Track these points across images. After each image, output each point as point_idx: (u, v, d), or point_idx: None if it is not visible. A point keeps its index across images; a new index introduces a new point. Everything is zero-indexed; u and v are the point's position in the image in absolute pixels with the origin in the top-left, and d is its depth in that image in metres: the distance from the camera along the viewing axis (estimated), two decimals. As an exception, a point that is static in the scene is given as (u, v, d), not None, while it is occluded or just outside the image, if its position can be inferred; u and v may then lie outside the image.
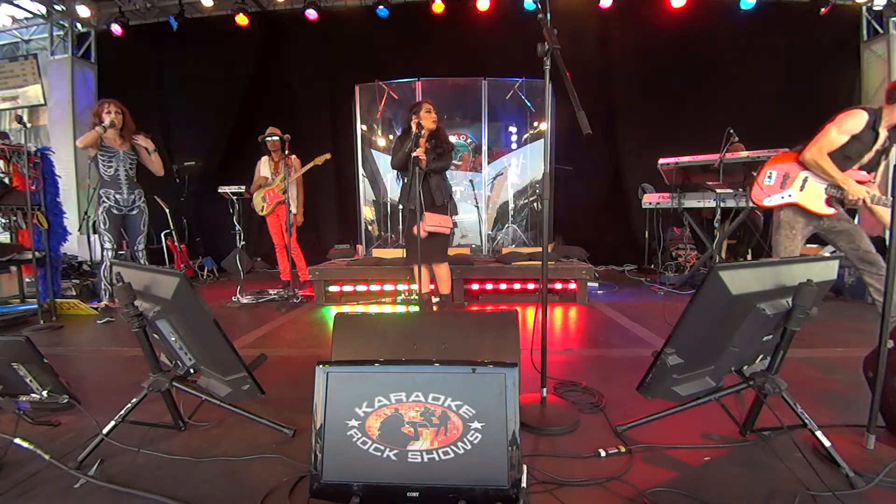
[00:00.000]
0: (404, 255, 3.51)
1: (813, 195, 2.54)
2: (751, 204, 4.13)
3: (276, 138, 4.33)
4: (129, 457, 1.42)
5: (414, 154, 2.89)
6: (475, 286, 4.05)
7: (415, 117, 3.03)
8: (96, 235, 5.72)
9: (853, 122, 2.42)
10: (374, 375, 1.15)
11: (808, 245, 4.78)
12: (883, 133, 2.41)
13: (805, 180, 2.56)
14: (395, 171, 3.34)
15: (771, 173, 2.68)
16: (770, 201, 2.64)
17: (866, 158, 2.45)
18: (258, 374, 1.49)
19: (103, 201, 3.68)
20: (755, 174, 2.74)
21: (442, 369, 1.14)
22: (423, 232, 2.98)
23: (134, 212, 3.80)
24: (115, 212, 3.71)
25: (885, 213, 2.36)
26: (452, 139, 3.66)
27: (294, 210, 4.39)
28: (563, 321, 3.39)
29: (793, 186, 2.59)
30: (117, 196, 3.70)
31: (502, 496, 1.06)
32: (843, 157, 2.46)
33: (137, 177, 3.85)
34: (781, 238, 2.67)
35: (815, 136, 2.51)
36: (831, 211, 2.51)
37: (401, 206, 2.97)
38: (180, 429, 1.61)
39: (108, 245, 3.71)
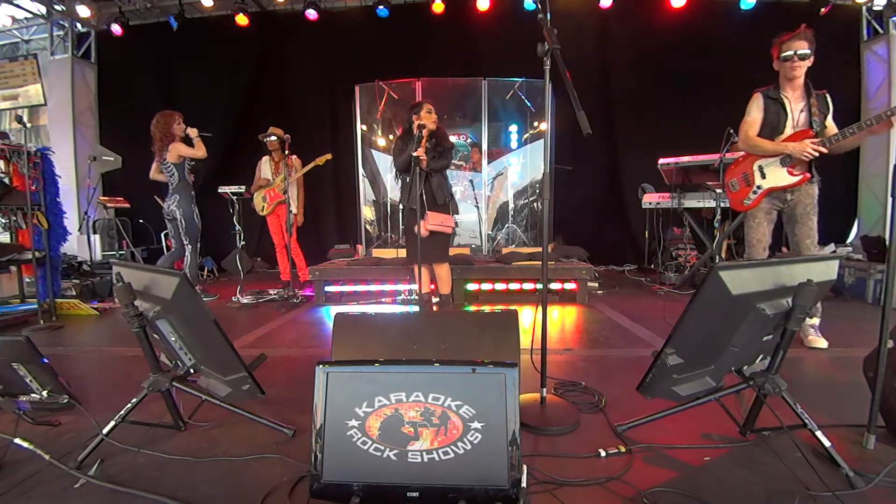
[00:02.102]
0: (406, 255, 3.51)
1: (775, 175, 2.61)
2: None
3: (275, 138, 4.33)
4: (129, 457, 1.42)
5: (414, 154, 2.89)
6: (475, 286, 4.05)
7: (415, 117, 3.03)
8: (96, 235, 5.75)
9: (751, 105, 2.66)
10: (374, 375, 1.15)
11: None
12: (788, 97, 2.54)
13: (761, 168, 2.65)
14: (395, 171, 3.34)
15: (733, 182, 2.81)
16: (749, 201, 2.72)
17: (791, 124, 2.54)
18: (258, 374, 1.49)
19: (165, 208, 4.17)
20: (724, 192, 2.88)
21: (442, 369, 1.14)
22: (424, 231, 2.98)
23: (172, 220, 4.24)
24: (169, 218, 4.21)
25: (858, 138, 2.37)
26: (452, 139, 3.65)
27: (294, 210, 4.39)
28: (563, 321, 3.39)
29: (755, 179, 2.68)
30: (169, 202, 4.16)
31: (502, 496, 1.06)
32: (770, 130, 2.59)
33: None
34: (747, 228, 2.79)
35: None
36: (799, 176, 2.53)
37: (402, 206, 2.97)
38: (180, 429, 1.61)
39: (176, 246, 4.28)
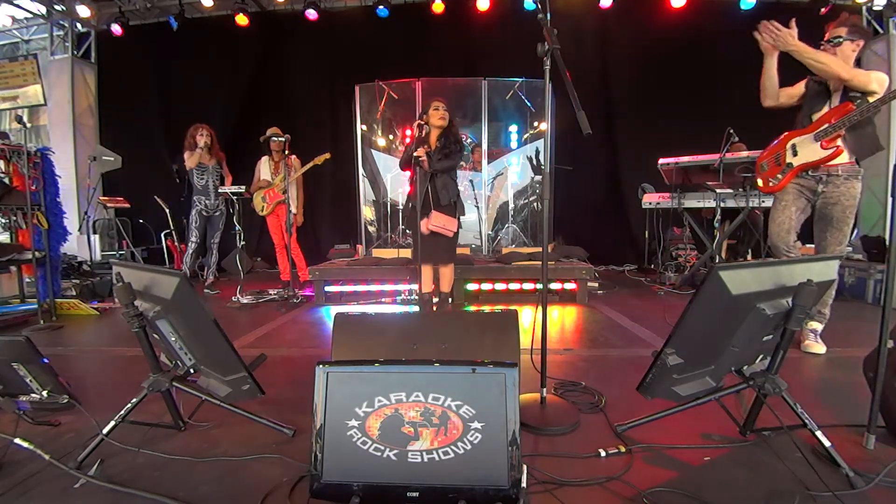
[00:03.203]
0: (411, 254, 3.49)
1: (808, 149, 2.45)
2: (752, 203, 4.14)
3: (283, 139, 4.34)
4: (129, 457, 1.42)
5: (415, 154, 2.88)
6: (475, 286, 4.05)
7: (425, 116, 3.02)
8: (96, 235, 5.75)
9: (802, 84, 2.55)
10: (374, 375, 1.15)
11: (808, 245, 4.78)
12: (832, 89, 2.42)
13: (794, 146, 2.52)
14: (399, 171, 3.33)
15: (763, 164, 2.69)
16: (776, 181, 2.57)
17: (829, 105, 2.43)
18: (258, 374, 1.49)
19: (195, 205, 4.61)
20: (753, 175, 2.73)
21: (442, 369, 1.14)
22: (426, 230, 2.98)
23: (217, 213, 4.73)
24: (205, 214, 4.66)
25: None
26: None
27: (294, 210, 4.40)
28: (563, 321, 3.39)
29: (787, 158, 2.54)
30: (206, 202, 4.62)
31: (502, 496, 1.06)
32: (809, 109, 2.49)
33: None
34: (772, 212, 2.64)
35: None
36: (831, 149, 2.35)
37: (410, 205, 2.97)
38: (180, 429, 1.60)
39: (193, 239, 4.70)
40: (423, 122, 2.97)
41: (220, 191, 4.51)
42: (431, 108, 3.03)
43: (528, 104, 5.59)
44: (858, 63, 2.54)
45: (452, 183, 3.12)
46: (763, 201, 4.52)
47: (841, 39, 2.37)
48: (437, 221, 3.00)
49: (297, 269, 4.63)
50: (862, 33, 2.36)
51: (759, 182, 2.71)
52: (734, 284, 1.20)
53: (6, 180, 3.70)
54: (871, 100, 2.26)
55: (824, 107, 2.42)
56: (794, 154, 2.51)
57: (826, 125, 2.36)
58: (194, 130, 4.50)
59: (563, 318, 3.48)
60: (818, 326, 2.54)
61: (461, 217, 3.18)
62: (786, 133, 2.59)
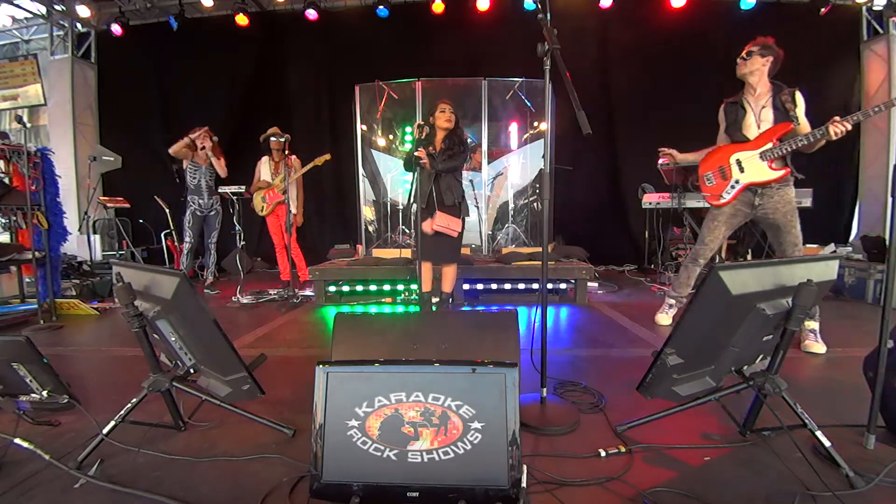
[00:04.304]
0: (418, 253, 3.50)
1: (755, 168, 2.59)
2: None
3: (282, 139, 4.34)
4: (129, 457, 1.42)
5: (415, 154, 2.89)
6: (475, 286, 4.05)
7: (431, 118, 3.04)
8: (96, 235, 5.75)
9: (719, 115, 2.83)
10: (374, 375, 1.15)
11: (808, 245, 4.78)
12: (748, 98, 2.66)
13: (738, 161, 2.65)
14: (399, 171, 3.34)
15: (708, 175, 2.81)
16: (727, 195, 2.71)
17: (754, 121, 2.62)
18: (258, 374, 1.49)
19: (189, 205, 4.57)
20: (697, 184, 2.87)
21: (442, 369, 1.14)
22: (429, 229, 2.98)
23: (212, 213, 4.65)
24: (199, 214, 4.60)
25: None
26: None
27: (294, 210, 4.40)
28: (564, 321, 3.39)
29: (733, 173, 2.68)
30: (200, 201, 4.57)
31: (502, 496, 1.06)
32: (734, 130, 2.70)
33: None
34: (706, 226, 2.86)
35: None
36: (781, 171, 2.53)
37: (413, 204, 3.00)
38: (180, 429, 1.61)
39: (187, 239, 4.63)
40: (422, 124, 2.98)
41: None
42: (437, 109, 3.03)
43: (528, 104, 5.58)
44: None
45: (457, 184, 3.12)
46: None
47: (751, 54, 2.61)
48: (441, 221, 3.01)
49: (297, 269, 4.63)
50: (772, 51, 2.59)
51: (707, 195, 2.83)
52: (734, 284, 1.20)
53: (6, 180, 3.71)
54: (801, 128, 2.50)
55: (750, 121, 2.64)
56: (742, 171, 2.65)
57: (770, 145, 2.54)
58: (194, 132, 4.44)
59: (563, 318, 3.48)
60: (815, 325, 2.57)
61: (467, 217, 3.18)
62: (722, 146, 2.77)
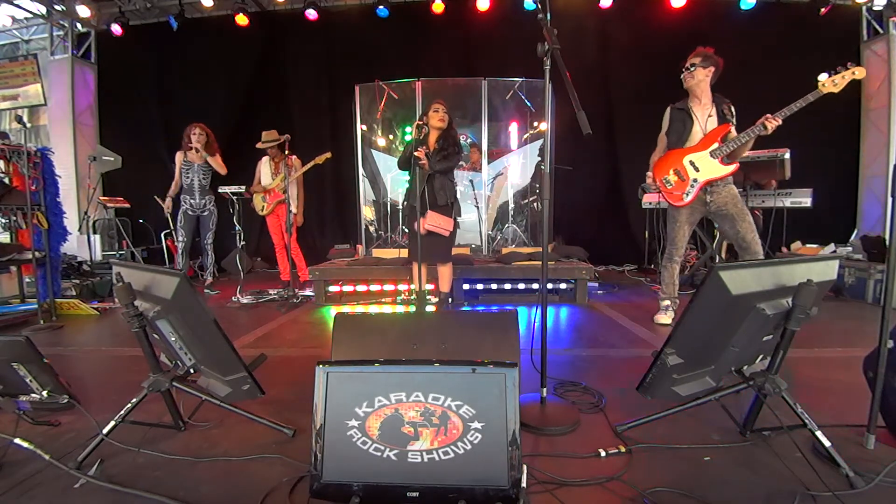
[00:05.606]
0: (408, 253, 3.51)
1: (708, 166, 2.78)
2: (752, 203, 4.14)
3: (277, 141, 4.32)
4: (129, 457, 1.42)
5: (415, 154, 2.90)
6: (475, 286, 4.04)
7: (425, 117, 3.07)
8: (96, 235, 5.75)
9: (664, 117, 3.05)
10: (373, 375, 1.15)
11: (808, 245, 4.78)
12: (693, 106, 2.86)
13: (692, 162, 2.83)
14: (398, 171, 3.35)
15: (666, 179, 2.95)
16: (689, 195, 2.86)
17: (700, 128, 2.84)
18: (258, 374, 1.49)
19: (181, 204, 4.49)
20: (658, 191, 3.04)
21: (442, 369, 1.14)
22: (422, 229, 2.99)
23: (205, 213, 4.56)
24: (190, 213, 4.51)
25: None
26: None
27: (294, 210, 4.40)
28: (564, 321, 3.39)
29: (690, 173, 2.84)
30: (192, 201, 4.49)
31: (502, 496, 1.06)
32: (676, 138, 2.91)
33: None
34: (671, 228, 3.02)
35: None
36: (732, 166, 2.75)
37: (405, 203, 3.01)
38: (180, 429, 1.61)
39: (181, 239, 4.53)
40: (422, 123, 2.99)
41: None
42: (431, 109, 3.08)
43: (528, 104, 5.58)
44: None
45: (450, 184, 3.15)
46: (763, 201, 4.52)
47: (695, 66, 2.79)
48: (433, 221, 3.03)
49: (297, 269, 4.63)
50: (713, 62, 2.78)
51: (668, 198, 2.97)
52: (734, 284, 1.20)
53: (6, 180, 3.71)
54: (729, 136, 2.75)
55: (693, 132, 2.86)
56: (697, 170, 2.82)
57: (716, 145, 2.76)
58: (189, 130, 4.39)
59: (563, 318, 3.48)
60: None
61: (459, 217, 3.20)
62: (671, 151, 2.94)
